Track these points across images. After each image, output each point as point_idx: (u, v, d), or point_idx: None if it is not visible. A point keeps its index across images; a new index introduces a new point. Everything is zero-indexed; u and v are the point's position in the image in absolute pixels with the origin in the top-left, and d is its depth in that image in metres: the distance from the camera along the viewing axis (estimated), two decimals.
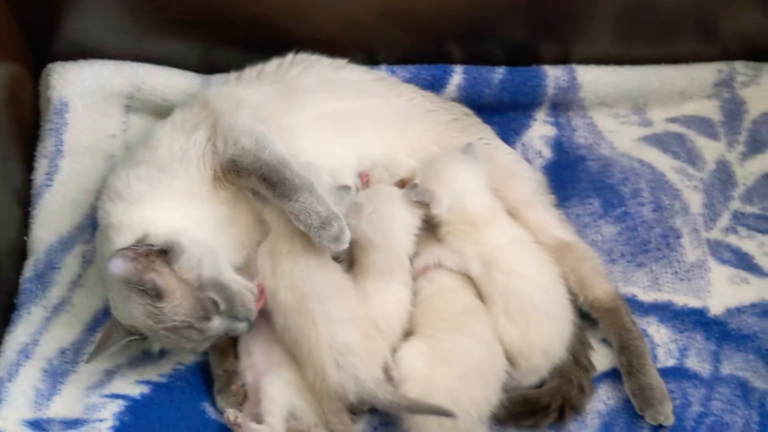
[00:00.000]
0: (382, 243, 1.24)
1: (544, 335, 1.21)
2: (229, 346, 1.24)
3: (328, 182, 1.23)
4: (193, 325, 1.11)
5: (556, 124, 1.53)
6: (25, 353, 1.22)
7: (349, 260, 1.28)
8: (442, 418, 1.11)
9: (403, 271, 1.25)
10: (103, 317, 1.27)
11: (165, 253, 1.11)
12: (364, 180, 1.31)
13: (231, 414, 1.14)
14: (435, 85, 1.48)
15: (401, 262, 1.25)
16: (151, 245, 1.11)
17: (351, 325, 1.17)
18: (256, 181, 1.16)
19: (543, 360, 1.21)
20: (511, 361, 1.21)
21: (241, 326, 1.16)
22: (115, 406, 1.18)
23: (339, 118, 1.32)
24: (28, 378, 1.20)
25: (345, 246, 1.16)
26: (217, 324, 1.12)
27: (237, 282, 1.15)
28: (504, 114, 1.52)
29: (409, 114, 1.38)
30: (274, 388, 1.17)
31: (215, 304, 1.12)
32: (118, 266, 1.07)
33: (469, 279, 1.26)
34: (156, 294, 1.09)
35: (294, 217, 1.14)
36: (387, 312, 1.23)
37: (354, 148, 1.31)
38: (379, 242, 1.23)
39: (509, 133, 1.51)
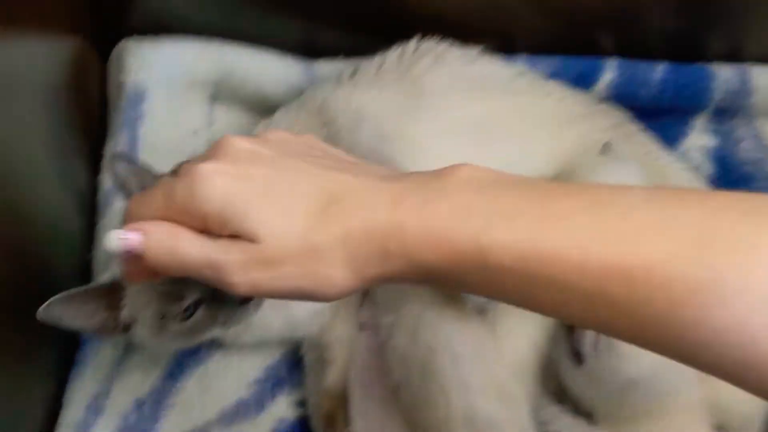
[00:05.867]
0: None
1: None
2: (339, 406, 1.00)
3: None
4: None
5: (717, 134, 1.26)
6: (95, 409, 0.97)
7: None
8: None
9: None
10: (185, 359, 1.02)
11: None
12: None
13: None
14: (581, 83, 1.20)
15: None
16: None
17: (492, 392, 0.93)
18: None
19: None
20: None
21: None
22: None
23: (477, 125, 1.07)
24: None
25: None
26: None
27: None
28: (656, 119, 1.24)
29: (560, 118, 1.12)
30: None
31: None
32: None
33: None
34: None
35: None
36: (520, 360, 1.00)
37: (496, 161, 1.06)
38: None
39: (660, 143, 1.23)
